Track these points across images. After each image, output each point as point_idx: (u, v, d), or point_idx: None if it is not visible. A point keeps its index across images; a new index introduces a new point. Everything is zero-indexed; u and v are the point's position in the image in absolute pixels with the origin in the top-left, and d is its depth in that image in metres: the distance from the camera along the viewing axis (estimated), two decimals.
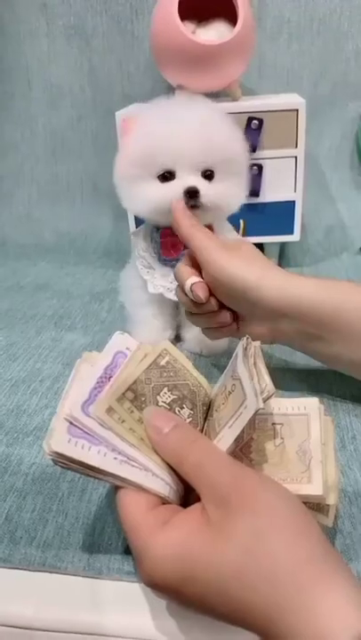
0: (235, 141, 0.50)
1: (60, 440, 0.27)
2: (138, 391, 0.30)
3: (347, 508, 0.36)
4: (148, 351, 0.31)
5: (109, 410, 0.29)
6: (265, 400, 0.27)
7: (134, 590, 0.32)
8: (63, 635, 0.31)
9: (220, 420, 0.30)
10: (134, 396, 0.30)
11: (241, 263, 0.41)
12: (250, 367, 0.29)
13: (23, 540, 0.34)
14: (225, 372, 0.34)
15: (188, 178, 0.47)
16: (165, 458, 0.29)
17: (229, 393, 0.30)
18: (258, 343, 0.32)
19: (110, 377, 0.30)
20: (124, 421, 0.29)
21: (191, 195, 0.46)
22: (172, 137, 0.47)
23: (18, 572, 0.33)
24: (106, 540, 0.34)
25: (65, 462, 0.28)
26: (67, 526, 0.35)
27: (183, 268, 0.43)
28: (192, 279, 0.42)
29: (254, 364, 0.30)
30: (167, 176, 0.47)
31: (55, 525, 0.35)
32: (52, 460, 0.28)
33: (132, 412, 0.29)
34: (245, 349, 0.31)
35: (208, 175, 0.48)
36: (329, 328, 0.40)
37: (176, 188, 0.46)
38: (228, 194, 0.49)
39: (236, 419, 0.28)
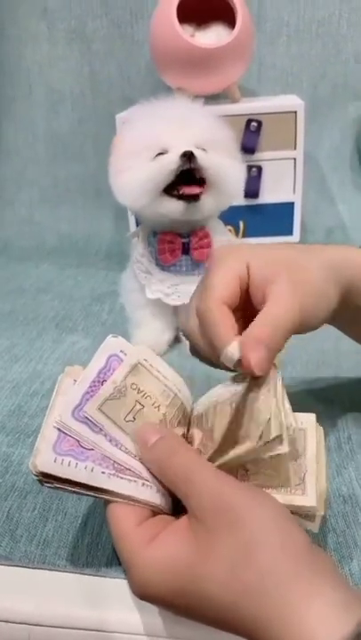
0: (217, 125, 0.51)
1: (45, 460, 0.27)
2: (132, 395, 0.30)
3: (341, 506, 0.36)
4: (143, 356, 0.31)
5: (102, 407, 0.29)
6: (288, 438, 0.28)
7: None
8: (62, 630, 0.31)
9: (227, 444, 0.29)
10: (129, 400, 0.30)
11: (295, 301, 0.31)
12: (278, 404, 0.28)
13: (23, 538, 0.35)
14: (227, 385, 0.32)
15: (182, 147, 0.46)
16: (151, 469, 0.29)
17: (242, 416, 0.29)
18: (280, 376, 0.30)
19: (104, 381, 0.29)
20: (115, 422, 0.29)
21: (188, 157, 0.45)
22: (162, 120, 0.48)
23: (18, 569, 0.34)
24: (104, 538, 0.35)
25: (52, 482, 0.27)
26: (66, 525, 0.36)
27: (222, 319, 0.31)
28: (235, 346, 0.29)
29: (282, 401, 0.29)
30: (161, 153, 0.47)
31: (55, 524, 0.36)
32: (39, 480, 0.27)
33: (129, 413, 0.30)
34: (274, 387, 0.29)
35: (202, 151, 0.48)
36: None
37: (172, 156, 0.46)
38: (227, 166, 0.49)
39: (252, 451, 0.28)
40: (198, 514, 0.26)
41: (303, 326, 0.32)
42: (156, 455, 0.29)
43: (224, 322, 0.30)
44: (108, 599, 0.32)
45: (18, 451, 0.42)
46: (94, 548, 0.34)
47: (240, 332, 0.30)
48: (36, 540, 0.35)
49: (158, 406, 0.31)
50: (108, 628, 0.31)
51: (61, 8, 0.81)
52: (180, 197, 0.47)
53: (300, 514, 0.29)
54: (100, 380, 0.29)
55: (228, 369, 0.31)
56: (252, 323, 0.30)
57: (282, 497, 0.29)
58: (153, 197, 0.47)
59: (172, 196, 0.47)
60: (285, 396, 0.30)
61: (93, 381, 0.29)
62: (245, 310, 0.33)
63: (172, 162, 0.45)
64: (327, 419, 0.44)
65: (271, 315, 0.30)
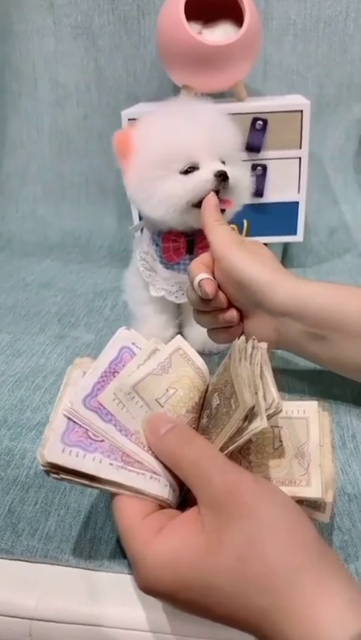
0: (236, 132, 0.51)
1: (53, 450, 0.27)
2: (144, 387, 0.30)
3: (346, 505, 0.36)
4: (159, 346, 0.31)
5: (115, 395, 0.28)
6: (270, 417, 0.27)
7: (134, 583, 0.32)
8: (63, 625, 0.31)
9: (218, 427, 0.29)
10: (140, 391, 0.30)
11: (254, 263, 0.41)
12: (255, 377, 0.29)
13: (25, 532, 0.35)
14: (220, 370, 0.33)
15: (212, 164, 0.47)
16: (162, 459, 0.29)
17: (227, 398, 0.29)
18: (265, 346, 0.32)
19: (115, 372, 0.29)
20: (128, 411, 0.29)
21: (223, 177, 0.47)
22: (190, 130, 0.48)
23: (20, 563, 0.34)
24: (107, 533, 0.34)
25: (60, 473, 0.27)
26: (68, 519, 0.35)
27: (196, 264, 0.44)
28: (201, 275, 0.42)
29: (260, 373, 0.29)
30: (190, 170, 0.47)
31: (57, 518, 0.35)
32: (46, 471, 0.27)
33: (139, 404, 0.29)
34: (251, 355, 0.30)
35: (223, 164, 0.49)
36: (334, 328, 0.40)
37: (205, 175, 0.47)
38: (244, 177, 0.51)
39: (237, 431, 0.28)
40: (208, 504, 0.26)
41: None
42: (167, 445, 0.29)
43: (198, 267, 0.43)
44: (110, 594, 0.32)
45: (20, 445, 0.42)
46: (97, 542, 0.34)
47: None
48: (38, 534, 0.35)
49: (191, 391, 0.31)
50: (109, 623, 0.31)
51: (68, 3, 0.81)
52: None
53: (308, 505, 0.29)
54: (111, 371, 0.30)
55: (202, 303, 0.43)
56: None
57: (287, 488, 0.28)
58: (183, 211, 0.48)
59: (198, 207, 0.48)
60: (270, 375, 0.29)
61: (105, 372, 0.29)
62: None
63: (207, 182, 0.47)
64: (331, 416, 0.43)
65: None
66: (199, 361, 0.33)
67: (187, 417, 0.31)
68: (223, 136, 0.49)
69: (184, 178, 0.47)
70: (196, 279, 0.43)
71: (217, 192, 0.47)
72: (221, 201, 0.47)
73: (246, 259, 0.42)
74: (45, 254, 0.84)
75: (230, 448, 0.28)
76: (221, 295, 0.43)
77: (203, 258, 0.45)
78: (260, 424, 0.27)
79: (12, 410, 0.46)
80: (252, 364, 0.30)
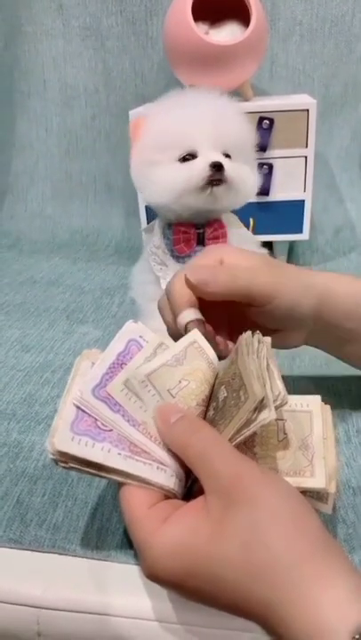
0: (246, 128, 0.51)
1: (62, 438, 0.27)
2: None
3: (351, 499, 0.36)
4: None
5: (124, 386, 0.29)
6: (277, 409, 0.28)
7: (140, 573, 0.32)
8: (70, 614, 0.32)
9: (226, 418, 0.30)
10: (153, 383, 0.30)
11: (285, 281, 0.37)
12: (262, 370, 0.29)
13: (33, 522, 0.35)
14: (227, 363, 0.34)
15: (211, 154, 0.47)
16: (171, 447, 0.29)
17: (235, 391, 0.30)
18: (269, 340, 0.32)
19: (123, 363, 0.30)
20: (136, 401, 0.29)
21: (217, 168, 0.46)
22: (193, 118, 0.48)
23: (28, 553, 0.34)
24: (114, 524, 0.35)
25: (68, 462, 0.28)
26: (76, 510, 0.36)
27: (177, 291, 0.36)
28: (188, 314, 0.35)
29: (267, 366, 0.30)
30: (188, 158, 0.48)
31: (65, 509, 0.36)
32: (54, 460, 0.28)
33: (151, 393, 0.30)
34: (257, 349, 0.31)
35: (226, 156, 0.49)
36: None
37: (201, 164, 0.47)
38: (246, 174, 0.50)
39: (245, 422, 0.28)
40: (214, 491, 0.26)
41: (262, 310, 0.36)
42: (176, 433, 0.29)
43: (182, 295, 0.35)
44: (116, 584, 0.32)
45: (28, 437, 0.42)
46: (104, 533, 0.34)
47: (227, 322, 0.38)
48: (46, 525, 0.35)
49: (202, 385, 0.32)
50: (116, 612, 0.31)
51: (77, 5, 0.82)
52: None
53: (311, 495, 0.29)
54: (119, 363, 0.30)
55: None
56: None
57: (291, 479, 0.29)
58: (178, 196, 0.48)
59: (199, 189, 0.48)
60: (274, 364, 0.30)
61: (113, 364, 0.30)
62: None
63: (202, 171, 0.46)
64: (336, 413, 0.43)
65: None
66: (213, 355, 0.33)
67: (196, 409, 0.31)
68: (230, 129, 0.49)
69: (180, 165, 0.47)
70: (182, 320, 0.35)
71: (212, 184, 0.46)
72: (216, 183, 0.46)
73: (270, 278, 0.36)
74: (54, 252, 0.85)
75: (238, 439, 0.28)
76: (208, 327, 0.36)
77: (187, 276, 0.36)
78: (268, 415, 0.27)
79: (21, 404, 0.47)
80: (259, 357, 0.30)
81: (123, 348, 0.31)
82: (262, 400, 0.27)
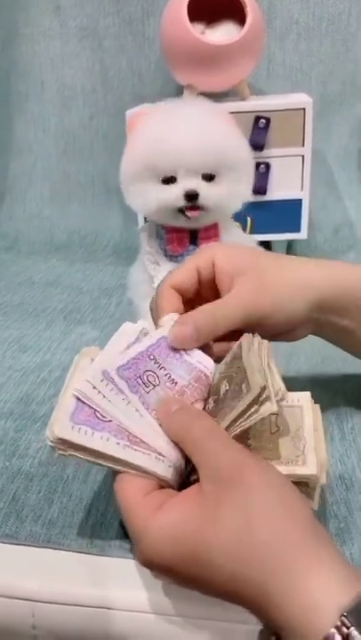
0: (235, 143, 0.51)
1: (63, 426, 0.28)
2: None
3: (343, 494, 0.37)
4: None
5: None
6: (278, 402, 0.29)
7: (134, 566, 0.33)
8: (65, 607, 0.32)
9: (226, 410, 0.31)
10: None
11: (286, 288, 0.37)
12: (263, 368, 0.31)
13: (29, 518, 0.36)
14: (229, 359, 0.35)
15: (188, 181, 0.48)
16: (170, 435, 0.30)
17: (237, 384, 0.31)
18: (268, 342, 0.34)
19: (151, 355, 0.32)
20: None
21: (190, 198, 0.48)
22: (172, 144, 0.48)
23: (24, 548, 0.34)
24: (108, 519, 0.35)
25: (67, 450, 0.28)
26: (71, 506, 0.36)
27: (162, 294, 0.36)
28: (168, 319, 0.35)
29: (268, 365, 0.31)
30: (169, 179, 0.49)
31: (60, 505, 0.36)
32: (53, 446, 0.28)
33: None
34: (258, 349, 0.33)
35: (209, 177, 0.50)
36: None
37: (177, 192, 0.48)
38: (229, 194, 0.50)
39: (246, 414, 0.29)
40: (210, 477, 0.27)
41: (260, 327, 0.35)
42: (175, 421, 0.30)
43: (168, 299, 0.36)
44: (111, 578, 0.33)
45: (25, 436, 0.43)
46: (98, 528, 0.35)
47: None
48: (42, 521, 0.35)
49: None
50: (110, 605, 0.32)
51: (74, 6, 0.82)
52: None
53: (300, 488, 0.30)
54: (148, 354, 0.32)
55: None
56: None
57: (284, 468, 0.30)
58: (155, 215, 0.50)
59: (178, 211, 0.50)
60: (273, 364, 0.32)
61: (142, 353, 0.32)
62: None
63: (175, 200, 0.48)
64: (331, 410, 0.44)
65: (219, 302, 0.36)
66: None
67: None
68: (216, 147, 0.49)
69: (160, 186, 0.49)
70: (162, 324, 0.35)
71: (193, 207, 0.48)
72: (190, 208, 0.48)
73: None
74: (52, 253, 0.85)
75: (237, 430, 0.30)
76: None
77: (176, 276, 0.36)
78: (270, 407, 0.29)
79: (18, 403, 0.47)
80: (260, 356, 0.32)
81: (154, 342, 0.33)
82: (264, 392, 0.29)
